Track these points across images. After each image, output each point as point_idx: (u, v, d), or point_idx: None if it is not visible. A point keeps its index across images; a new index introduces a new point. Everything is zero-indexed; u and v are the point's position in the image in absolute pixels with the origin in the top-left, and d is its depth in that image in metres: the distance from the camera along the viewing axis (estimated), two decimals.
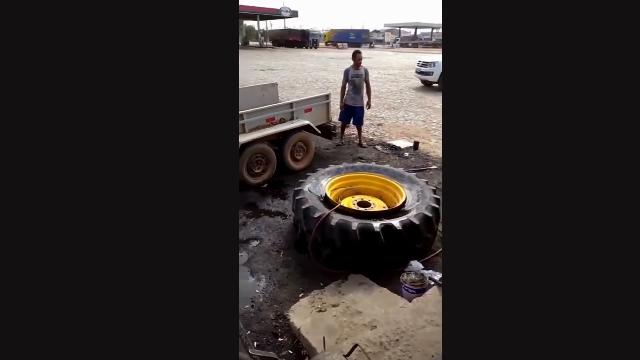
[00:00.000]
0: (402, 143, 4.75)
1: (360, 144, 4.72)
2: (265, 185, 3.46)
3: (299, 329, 1.70)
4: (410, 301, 1.80)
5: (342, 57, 19.32)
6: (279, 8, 31.18)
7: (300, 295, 2.00)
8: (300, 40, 32.44)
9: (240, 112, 3.32)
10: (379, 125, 5.76)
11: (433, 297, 1.79)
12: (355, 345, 1.18)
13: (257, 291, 2.08)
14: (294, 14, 32.27)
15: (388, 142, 4.81)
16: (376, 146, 4.70)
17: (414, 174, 2.80)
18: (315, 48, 32.23)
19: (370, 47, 36.90)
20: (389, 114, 6.50)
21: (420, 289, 1.89)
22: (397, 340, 1.54)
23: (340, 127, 4.77)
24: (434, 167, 3.95)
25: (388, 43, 40.44)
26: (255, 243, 2.56)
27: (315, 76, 11.94)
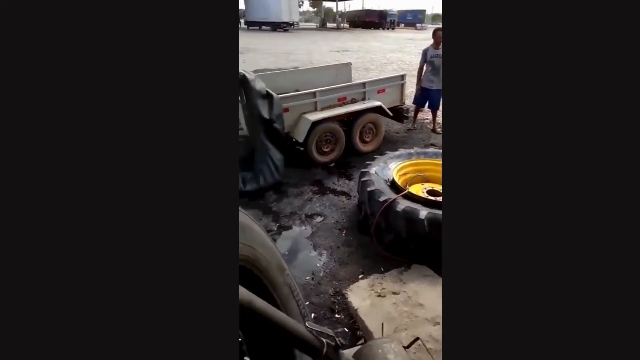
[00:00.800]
0: None
1: (434, 130, 4.41)
2: (333, 164, 3.46)
3: (356, 310, 1.68)
4: None
5: (421, 39, 18.15)
6: None
7: (360, 277, 1.97)
8: (378, 21, 31.12)
9: (313, 90, 3.33)
10: None
11: None
12: (417, 339, 1.10)
13: (318, 265, 2.11)
14: None
15: None
16: None
17: None
18: (393, 29, 30.77)
19: None
20: None
21: None
22: None
23: (414, 111, 4.50)
24: None
25: None
26: (319, 219, 2.59)
27: (390, 58, 11.43)
